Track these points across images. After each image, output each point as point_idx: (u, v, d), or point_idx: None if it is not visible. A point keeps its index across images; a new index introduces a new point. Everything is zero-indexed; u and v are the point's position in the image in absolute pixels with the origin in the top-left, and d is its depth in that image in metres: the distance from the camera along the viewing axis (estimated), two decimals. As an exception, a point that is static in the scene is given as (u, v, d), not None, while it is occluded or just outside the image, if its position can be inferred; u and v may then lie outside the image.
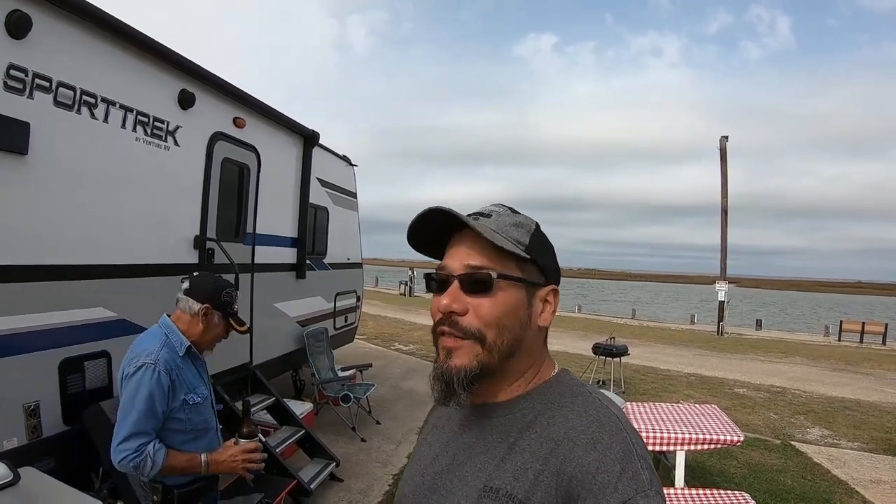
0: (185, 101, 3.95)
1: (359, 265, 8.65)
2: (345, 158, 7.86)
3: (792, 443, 6.40)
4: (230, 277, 4.30)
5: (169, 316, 2.36)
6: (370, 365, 7.45)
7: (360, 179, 8.38)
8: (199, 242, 4.26)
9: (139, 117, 3.54)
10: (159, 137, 3.75)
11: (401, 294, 33.33)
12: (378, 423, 6.48)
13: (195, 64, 4.01)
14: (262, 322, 5.22)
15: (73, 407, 3.06)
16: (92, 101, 3.15)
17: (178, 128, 3.92)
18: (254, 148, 5.02)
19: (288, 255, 5.98)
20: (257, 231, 5.19)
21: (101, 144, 3.28)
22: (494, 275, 0.90)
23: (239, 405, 4.70)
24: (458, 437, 0.99)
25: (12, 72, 2.67)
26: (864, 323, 21.04)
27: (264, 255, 5.35)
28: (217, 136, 4.43)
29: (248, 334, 4.94)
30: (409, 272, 34.68)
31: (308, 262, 6.32)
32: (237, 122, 4.71)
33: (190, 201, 4.21)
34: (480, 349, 0.90)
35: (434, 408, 1.14)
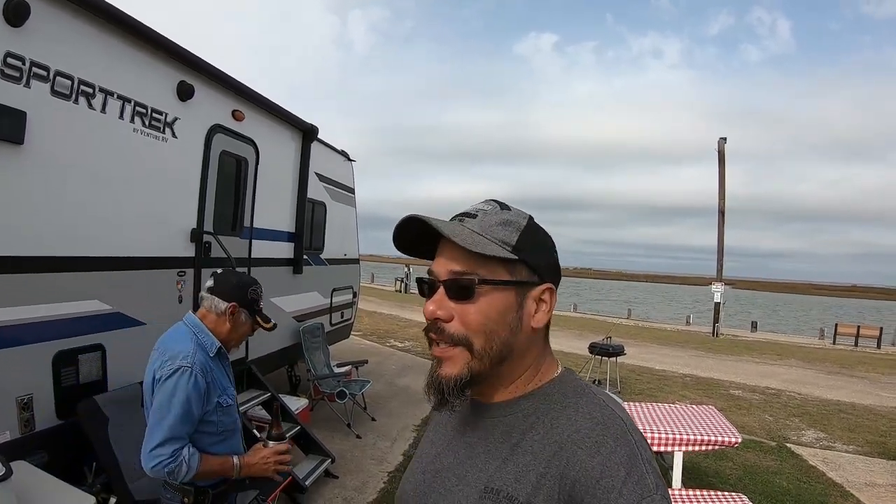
0: (184, 92, 3.91)
1: (356, 261, 8.63)
2: (343, 153, 7.83)
3: (787, 445, 6.41)
4: (227, 272, 4.27)
5: (194, 313, 2.29)
6: (366, 361, 7.42)
7: (357, 175, 8.36)
8: (196, 236, 4.22)
9: (137, 108, 3.49)
10: (157, 129, 3.71)
11: (396, 291, 33.34)
12: (373, 419, 6.46)
13: (194, 55, 3.98)
14: (259, 317, 5.18)
15: (66, 400, 3.03)
16: (90, 90, 3.11)
17: (176, 119, 3.88)
18: (252, 141, 4.98)
19: (285, 250, 5.95)
20: (255, 225, 5.16)
21: (99, 135, 3.24)
22: (476, 279, 0.87)
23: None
24: (461, 437, 0.97)
25: (9, 60, 2.63)
26: (858, 326, 21.19)
27: (261, 249, 5.32)
28: (215, 129, 4.39)
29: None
30: (406, 269, 34.70)
31: (305, 257, 6.29)
32: (236, 115, 4.68)
33: (187, 194, 4.18)
34: (470, 356, 0.88)
35: None
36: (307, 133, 6.09)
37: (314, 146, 6.28)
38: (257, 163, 5.10)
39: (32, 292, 2.87)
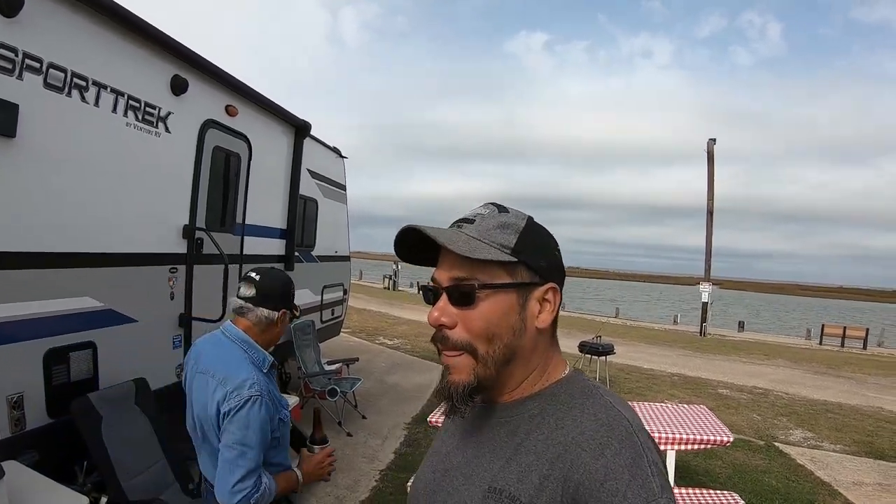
0: (178, 86, 3.86)
1: (346, 258, 8.60)
2: (335, 150, 7.79)
3: (775, 444, 6.49)
4: (219, 268, 4.23)
5: (233, 323, 2.13)
6: (357, 359, 7.40)
7: (348, 171, 8.32)
8: (189, 232, 4.17)
9: (130, 102, 3.44)
10: (150, 123, 3.66)
11: (385, 288, 33.29)
12: (364, 417, 6.45)
13: (189, 49, 3.92)
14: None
15: (57, 399, 2.98)
16: (83, 83, 3.05)
17: (169, 114, 3.83)
18: (245, 137, 4.93)
19: (276, 247, 5.91)
20: (247, 221, 5.12)
21: (91, 129, 3.18)
22: (476, 285, 0.87)
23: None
24: (469, 436, 0.98)
25: (2, 51, 2.57)
26: (845, 327, 21.52)
27: (253, 245, 5.27)
28: (209, 124, 4.34)
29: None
30: (394, 266, 34.67)
31: (296, 254, 6.25)
32: (229, 111, 4.63)
33: (180, 189, 4.12)
34: (475, 362, 0.88)
35: None
36: (300, 129, 6.05)
37: (307, 142, 6.24)
38: (250, 159, 5.05)
39: (23, 289, 2.82)
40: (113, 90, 3.28)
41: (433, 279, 0.93)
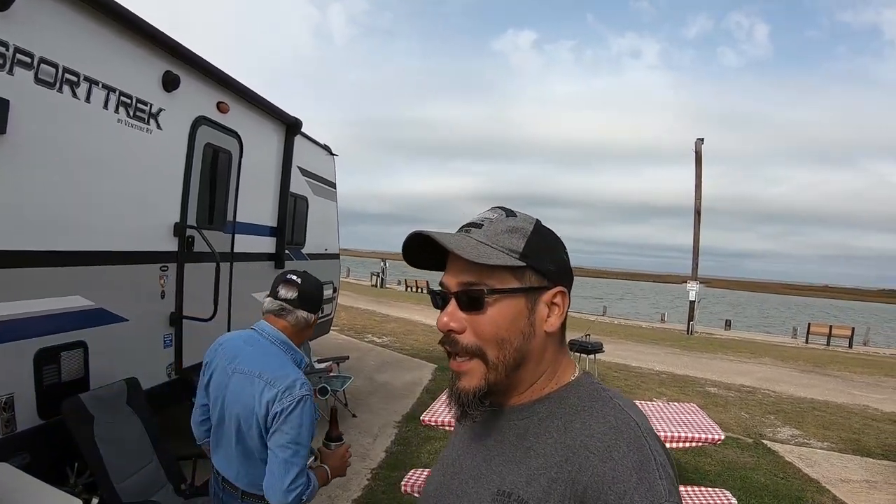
0: (170, 83, 3.81)
1: (336, 256, 8.58)
2: (326, 147, 7.75)
3: (763, 442, 6.55)
4: (209, 267, 4.19)
5: (267, 322, 2.13)
6: (347, 357, 7.38)
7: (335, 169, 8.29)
8: (180, 229, 4.13)
9: (122, 98, 3.39)
10: (142, 120, 3.61)
11: (372, 285, 33.25)
12: (354, 416, 6.43)
13: (181, 45, 3.87)
14: (240, 312, 5.10)
15: (49, 400, 2.94)
16: (74, 79, 3.00)
17: (161, 110, 3.78)
18: (236, 134, 4.89)
19: (267, 245, 5.87)
20: (237, 219, 5.08)
21: (83, 125, 3.14)
22: (486, 290, 0.87)
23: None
24: (479, 439, 0.98)
25: (-7, 45, 2.53)
26: (831, 326, 21.81)
27: (244, 243, 5.24)
28: (200, 121, 4.30)
29: (227, 325, 4.84)
30: (382, 263, 34.62)
31: (287, 251, 6.22)
32: (221, 107, 4.58)
33: (171, 187, 4.08)
34: (485, 367, 0.89)
35: None
36: (291, 126, 6.00)
37: (297, 140, 6.20)
38: (241, 156, 5.01)
39: (13, 288, 2.77)
40: (104, 86, 3.23)
41: (441, 284, 0.93)
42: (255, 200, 5.45)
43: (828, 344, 20.62)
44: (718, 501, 3.55)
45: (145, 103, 3.62)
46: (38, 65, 2.77)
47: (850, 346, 20.43)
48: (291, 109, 5.87)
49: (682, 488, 3.71)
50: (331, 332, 9.64)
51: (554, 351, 0.94)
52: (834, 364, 14.36)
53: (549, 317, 0.91)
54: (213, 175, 4.62)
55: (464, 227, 0.94)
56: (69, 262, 3.12)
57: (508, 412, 0.94)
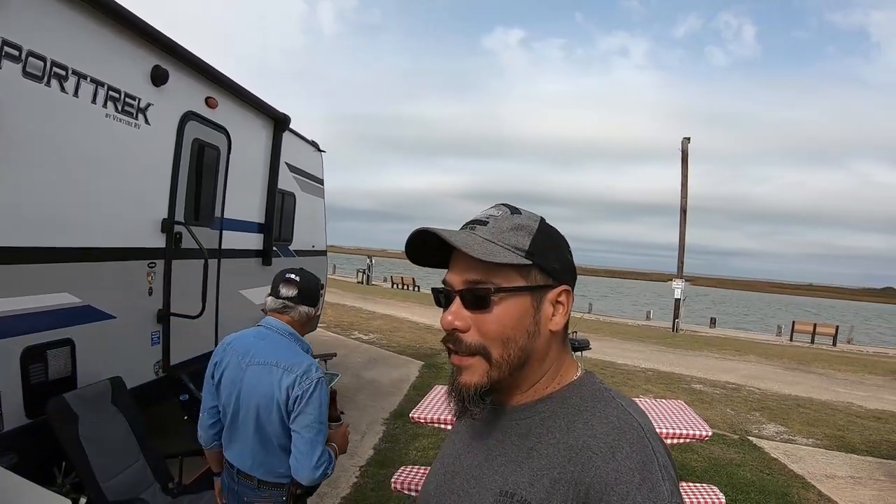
0: (158, 77, 3.77)
1: (323, 253, 8.54)
2: (313, 144, 7.71)
3: (749, 438, 6.61)
4: (197, 263, 4.16)
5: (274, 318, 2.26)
6: (335, 354, 7.34)
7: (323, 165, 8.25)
8: (167, 226, 4.09)
9: (110, 93, 3.35)
10: (130, 115, 3.56)
11: (358, 282, 33.15)
12: (342, 413, 6.39)
13: (170, 39, 3.82)
14: (228, 309, 5.07)
15: (36, 398, 2.89)
16: (62, 73, 2.95)
17: (149, 105, 3.74)
18: (225, 130, 4.85)
19: (254, 241, 5.83)
20: (225, 215, 5.04)
21: (71, 120, 3.09)
22: (492, 289, 0.86)
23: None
24: (480, 439, 0.97)
25: (-20, 38, 2.48)
26: (815, 324, 22.09)
27: (231, 240, 5.20)
28: (189, 116, 4.25)
29: (214, 322, 4.81)
30: (368, 260, 34.55)
31: (274, 248, 6.18)
32: (209, 103, 4.53)
33: (159, 183, 4.03)
34: (488, 365, 0.87)
35: None
36: (279, 122, 5.96)
37: (285, 136, 6.15)
38: (229, 152, 4.97)
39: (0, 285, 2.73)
40: (93, 80, 3.18)
41: (445, 282, 0.92)
42: (243, 197, 5.40)
43: (812, 342, 20.87)
44: (707, 497, 3.59)
45: (134, 98, 3.58)
46: (27, 58, 2.72)
47: (835, 343, 20.69)
48: (279, 105, 5.83)
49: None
50: (318, 328, 9.60)
51: (557, 350, 0.94)
52: (818, 362, 14.51)
53: (553, 315, 0.91)
54: (201, 171, 4.57)
55: (468, 223, 0.93)
56: (56, 259, 3.07)
57: (510, 411, 0.94)
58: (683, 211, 21.72)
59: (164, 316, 4.09)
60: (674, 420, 4.00)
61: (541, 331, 0.89)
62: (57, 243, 3.07)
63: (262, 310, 2.30)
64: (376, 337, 12.36)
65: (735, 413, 7.93)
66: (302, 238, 7.32)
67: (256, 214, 5.81)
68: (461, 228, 0.93)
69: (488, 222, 0.91)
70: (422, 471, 3.81)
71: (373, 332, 13.08)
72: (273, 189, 6.00)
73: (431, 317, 16.52)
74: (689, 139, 21.67)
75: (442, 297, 0.93)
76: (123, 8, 3.34)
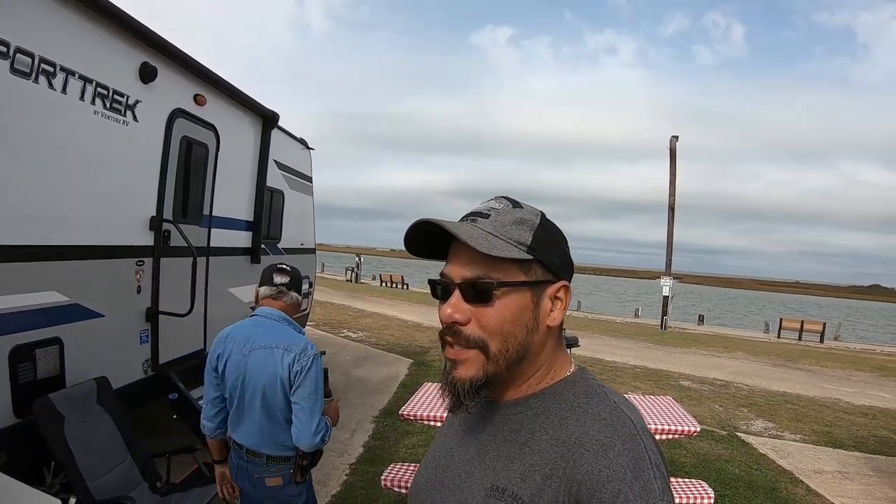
0: (147, 74, 3.73)
1: (312, 251, 8.50)
2: (302, 141, 7.67)
3: (737, 434, 6.67)
4: (186, 261, 4.13)
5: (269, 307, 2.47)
6: (323, 352, 7.30)
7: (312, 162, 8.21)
8: (156, 223, 4.05)
9: (98, 89, 3.31)
10: (118, 112, 3.53)
11: (347, 280, 33.06)
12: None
13: (158, 36, 3.79)
14: (216, 307, 5.03)
15: (24, 398, 2.87)
16: (50, 69, 2.92)
17: (137, 102, 3.71)
18: (213, 127, 4.81)
19: (243, 239, 5.79)
20: (213, 213, 5.00)
21: (58, 117, 3.06)
22: (494, 283, 0.86)
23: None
24: (472, 433, 0.97)
25: (-34, 34, 2.45)
26: (802, 321, 22.27)
27: (220, 238, 5.16)
28: (177, 113, 4.21)
29: (203, 321, 4.78)
30: (356, 258, 34.45)
31: (263, 246, 6.14)
32: (198, 100, 4.50)
33: (147, 180, 4.00)
34: (485, 359, 0.87)
35: None
36: (268, 120, 5.92)
37: (274, 133, 6.12)
38: (217, 149, 4.93)
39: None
40: (81, 77, 3.15)
41: (444, 274, 0.91)
42: (231, 194, 5.37)
43: (799, 339, 21.01)
44: (696, 493, 3.63)
45: (122, 95, 3.54)
46: (14, 54, 2.69)
47: (822, 340, 20.83)
48: (268, 103, 5.78)
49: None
50: (306, 326, 9.57)
51: (553, 345, 0.93)
52: (805, 358, 14.62)
53: (552, 311, 0.91)
54: (189, 168, 4.54)
55: (469, 215, 0.92)
56: (43, 257, 3.04)
57: (503, 406, 0.93)
58: (672, 209, 21.85)
59: (152, 314, 4.06)
60: (662, 416, 4.04)
61: (539, 326, 0.89)
62: (44, 241, 3.04)
63: (251, 307, 2.49)
64: (365, 335, 12.34)
65: (723, 409, 8.00)
66: (290, 236, 7.28)
67: (245, 212, 5.77)
68: (461, 220, 0.92)
69: (490, 215, 0.90)
70: (412, 468, 3.82)
71: (362, 330, 13.05)
72: (261, 186, 5.96)
73: (420, 315, 16.52)
74: (677, 137, 21.78)
75: (440, 290, 0.92)
76: (112, 5, 3.31)
